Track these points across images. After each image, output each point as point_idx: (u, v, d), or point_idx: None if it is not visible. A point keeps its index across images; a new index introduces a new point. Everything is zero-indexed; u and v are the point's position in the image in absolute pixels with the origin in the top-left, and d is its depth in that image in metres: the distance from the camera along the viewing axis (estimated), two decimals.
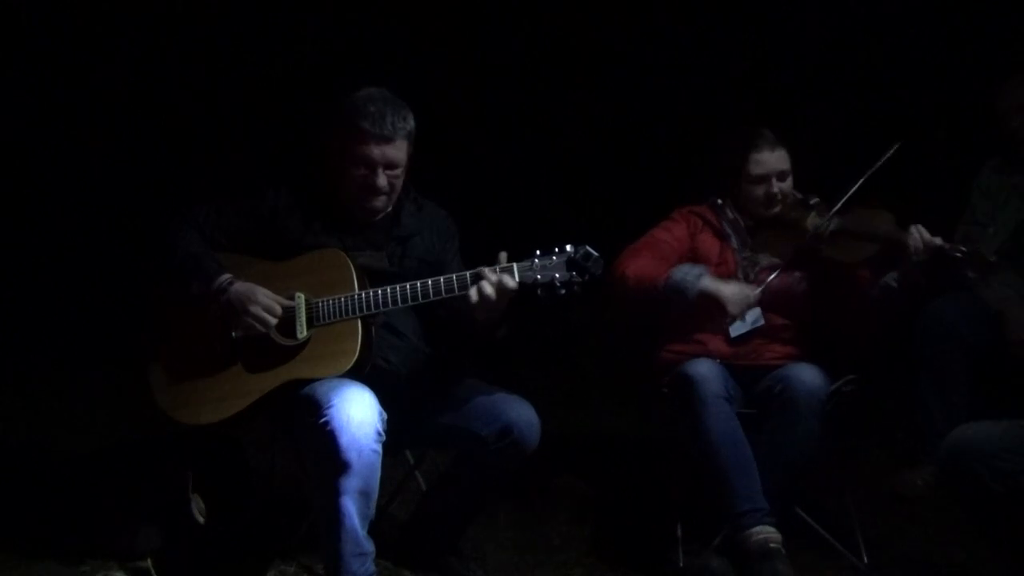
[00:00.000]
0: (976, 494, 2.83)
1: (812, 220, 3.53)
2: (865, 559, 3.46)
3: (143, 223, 3.39)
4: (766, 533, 3.23)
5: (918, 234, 3.30)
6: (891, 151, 3.46)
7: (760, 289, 3.49)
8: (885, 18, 5.40)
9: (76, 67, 5.48)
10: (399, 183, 3.17)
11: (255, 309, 3.00)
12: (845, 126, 5.37)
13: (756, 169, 3.58)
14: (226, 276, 3.05)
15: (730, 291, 3.45)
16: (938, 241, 3.30)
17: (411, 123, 3.13)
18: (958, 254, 3.30)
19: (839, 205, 3.47)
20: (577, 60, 5.87)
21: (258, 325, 3.01)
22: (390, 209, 3.25)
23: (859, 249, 3.44)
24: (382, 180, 3.11)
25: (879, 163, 3.46)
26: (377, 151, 3.08)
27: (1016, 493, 2.76)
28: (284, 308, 3.03)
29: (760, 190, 3.60)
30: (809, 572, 3.39)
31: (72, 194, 5.45)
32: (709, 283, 3.44)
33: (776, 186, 3.58)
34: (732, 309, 3.43)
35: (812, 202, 3.58)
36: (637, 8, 5.72)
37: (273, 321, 3.02)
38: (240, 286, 3.04)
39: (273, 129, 5.48)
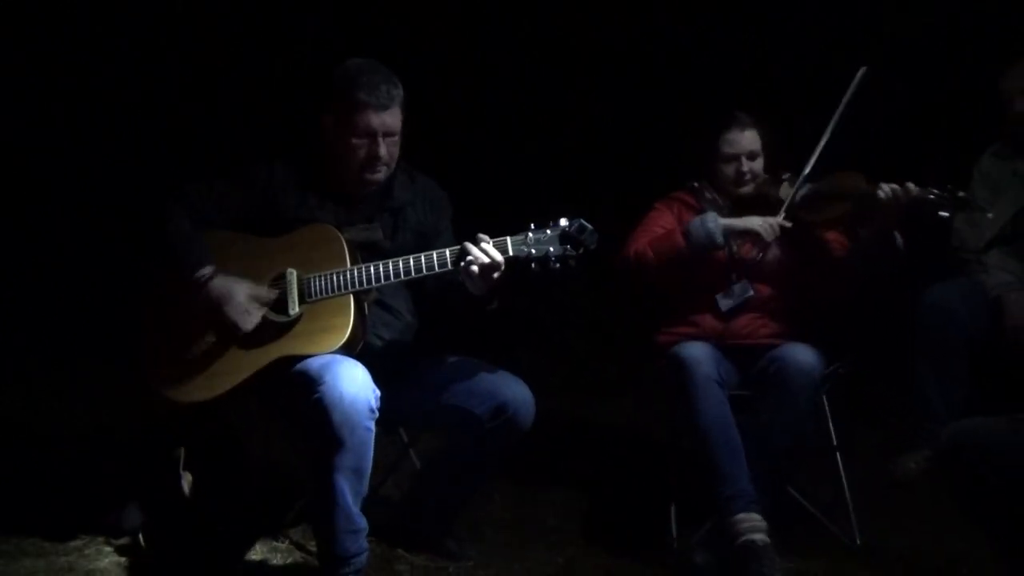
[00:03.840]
0: (974, 489, 2.79)
1: (784, 189, 3.62)
2: (858, 540, 3.47)
3: (143, 223, 3.37)
4: (751, 521, 3.21)
5: (888, 187, 3.35)
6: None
7: (783, 209, 3.54)
8: (885, 18, 5.40)
9: (76, 67, 5.49)
10: (396, 151, 3.18)
11: (229, 312, 2.99)
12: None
13: (727, 148, 3.68)
14: (206, 270, 3.02)
15: (754, 220, 3.53)
16: (911, 186, 3.33)
17: (401, 90, 3.15)
18: (931, 196, 3.31)
19: (809, 166, 3.56)
20: (577, 60, 5.87)
21: (232, 328, 3.00)
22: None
23: (832, 209, 3.52)
24: (383, 149, 3.12)
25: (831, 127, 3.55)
26: (376, 120, 3.10)
27: (1015, 489, 2.73)
28: (274, 285, 3.03)
29: (731, 168, 3.69)
30: (802, 552, 3.38)
31: (72, 194, 5.44)
32: (730, 221, 3.55)
33: (746, 165, 3.67)
34: (766, 235, 3.50)
35: (784, 176, 3.67)
36: (637, 8, 5.72)
37: (248, 326, 2.99)
38: (219, 283, 3.01)
39: (273, 128, 5.46)
